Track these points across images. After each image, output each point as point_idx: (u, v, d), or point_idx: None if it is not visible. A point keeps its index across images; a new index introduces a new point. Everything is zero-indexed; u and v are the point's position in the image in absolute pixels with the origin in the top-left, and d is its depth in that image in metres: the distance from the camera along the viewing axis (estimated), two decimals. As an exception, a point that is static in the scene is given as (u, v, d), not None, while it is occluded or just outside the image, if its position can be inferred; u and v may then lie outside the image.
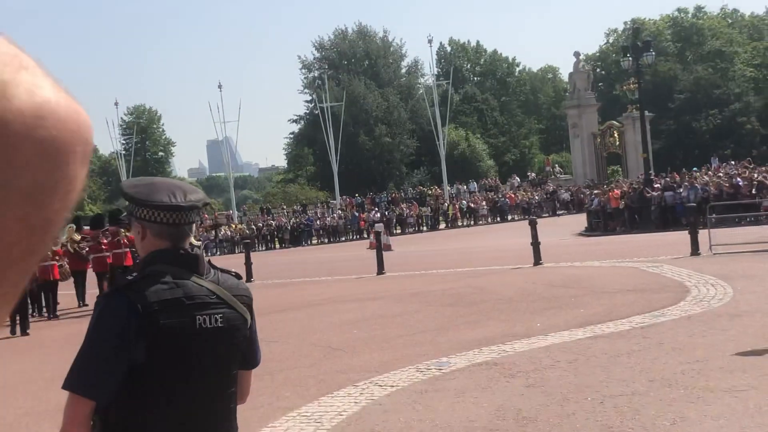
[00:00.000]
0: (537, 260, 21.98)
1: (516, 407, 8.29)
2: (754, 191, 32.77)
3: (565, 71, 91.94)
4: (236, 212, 71.94)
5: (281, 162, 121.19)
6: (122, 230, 20.74)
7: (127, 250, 20.96)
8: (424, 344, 12.24)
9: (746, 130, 75.90)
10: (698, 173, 43.21)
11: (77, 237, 22.64)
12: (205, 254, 3.32)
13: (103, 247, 21.69)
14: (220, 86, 72.68)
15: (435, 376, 10.10)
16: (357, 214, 57.69)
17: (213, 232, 56.34)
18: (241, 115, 73.36)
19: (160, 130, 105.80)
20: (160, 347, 2.86)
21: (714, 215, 25.37)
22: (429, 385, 9.67)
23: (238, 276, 3.22)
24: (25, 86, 0.80)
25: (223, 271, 3.16)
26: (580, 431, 7.33)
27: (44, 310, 21.39)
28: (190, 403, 2.95)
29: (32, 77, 0.81)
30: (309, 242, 55.69)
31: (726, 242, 21.13)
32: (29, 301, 19.99)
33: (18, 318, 17.86)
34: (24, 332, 17.99)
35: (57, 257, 20.97)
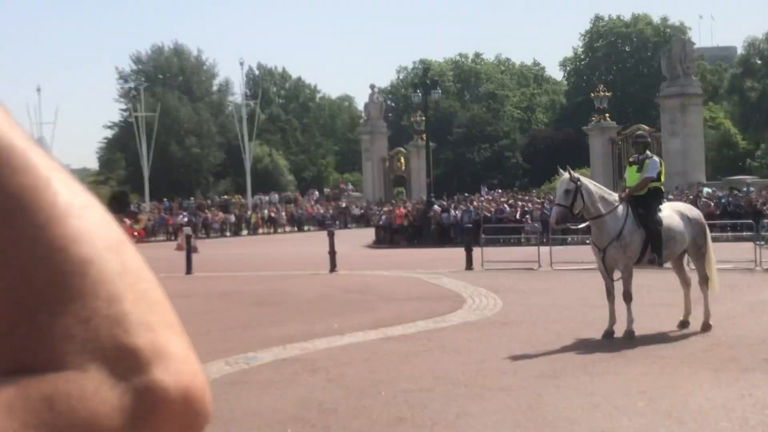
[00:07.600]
0: (333, 267, 22.16)
1: (318, 399, 8.30)
2: (518, 216, 34.46)
3: (360, 100, 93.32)
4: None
5: (94, 165, 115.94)
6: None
7: None
8: (232, 340, 12.05)
9: (511, 163, 79.76)
10: (472, 198, 44.87)
11: None
12: None
13: None
14: (38, 89, 69.54)
15: (243, 369, 9.96)
16: (165, 217, 56.06)
17: None
18: (58, 119, 70.02)
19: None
20: None
21: (485, 235, 26.41)
22: (238, 377, 9.53)
23: None
24: (176, 365, 0.63)
25: None
26: (376, 422, 7.43)
27: None
28: None
29: (181, 346, 0.65)
30: (117, 241, 53.37)
31: (495, 259, 22.08)
32: None
33: None
34: None
35: None
